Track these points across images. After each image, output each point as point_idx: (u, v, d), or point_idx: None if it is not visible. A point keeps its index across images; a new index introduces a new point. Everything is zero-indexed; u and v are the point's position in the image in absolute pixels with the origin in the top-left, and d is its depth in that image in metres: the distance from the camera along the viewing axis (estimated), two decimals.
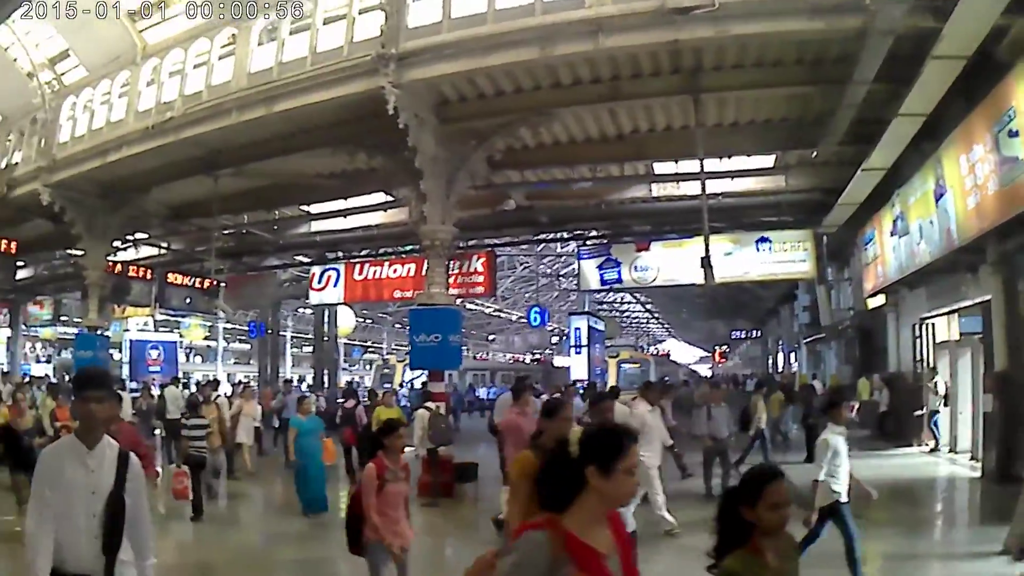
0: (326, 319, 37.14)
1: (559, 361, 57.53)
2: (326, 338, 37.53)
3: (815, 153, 18.57)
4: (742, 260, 23.47)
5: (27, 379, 28.93)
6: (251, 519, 15.18)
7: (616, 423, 3.59)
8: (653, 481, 11.66)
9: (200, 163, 19.06)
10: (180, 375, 34.73)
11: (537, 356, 69.60)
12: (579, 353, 34.82)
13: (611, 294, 52.96)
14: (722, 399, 16.17)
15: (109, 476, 4.38)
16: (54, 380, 30.66)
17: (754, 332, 59.49)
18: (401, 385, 37.73)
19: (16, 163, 22.19)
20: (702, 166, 16.13)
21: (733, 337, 63.33)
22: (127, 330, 46.74)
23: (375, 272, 27.81)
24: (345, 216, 25.41)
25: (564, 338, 55.79)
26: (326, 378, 36.75)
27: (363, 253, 28.41)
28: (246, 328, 44.67)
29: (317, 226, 27.06)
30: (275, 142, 17.67)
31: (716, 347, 71.59)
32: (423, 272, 19.30)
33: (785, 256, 23.50)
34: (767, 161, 20.60)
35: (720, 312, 54.42)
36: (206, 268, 24.78)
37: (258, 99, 15.82)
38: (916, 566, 10.39)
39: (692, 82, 14.47)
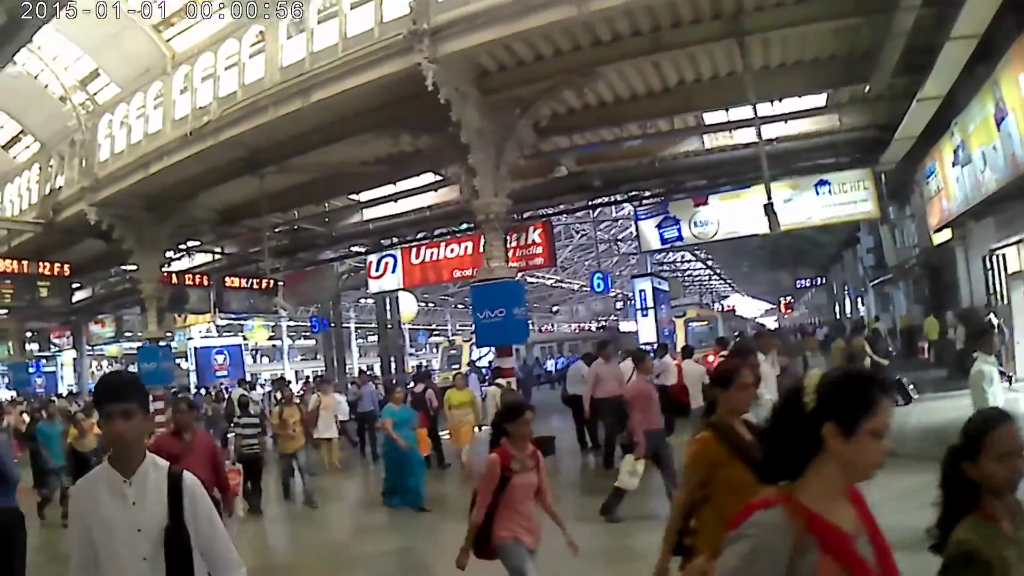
0: (388, 307, 36.93)
1: (625, 326, 57.04)
2: (389, 325, 37.33)
3: (868, 88, 17.80)
4: (803, 205, 22.72)
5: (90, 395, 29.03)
6: (339, 516, 14.71)
7: (864, 369, 2.81)
8: None
9: (243, 164, 18.93)
10: (247, 377, 34.95)
11: (602, 323, 69.13)
12: (645, 316, 34.17)
13: (671, 255, 52.41)
14: (817, 348, 15.71)
15: (159, 507, 3.49)
16: None
17: (818, 280, 58.49)
18: (469, 365, 37.49)
19: (60, 187, 22.43)
20: (755, 111, 15.49)
21: (798, 286, 62.23)
22: (190, 338, 47.24)
23: (432, 254, 27.42)
24: (396, 200, 25.18)
25: (628, 303, 55.27)
26: (392, 365, 36.58)
27: (419, 236, 28.08)
28: (309, 324, 44.71)
29: (369, 214, 26.82)
30: (316, 134, 17.46)
31: (781, 298, 70.63)
32: (480, 248, 18.93)
33: (846, 197, 22.70)
34: (819, 101, 19.84)
35: (782, 262, 53.50)
36: (262, 268, 24.69)
37: (293, 92, 15.59)
38: None
39: (734, 25, 13.94)
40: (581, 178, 22.79)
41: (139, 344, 27.27)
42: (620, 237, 48.45)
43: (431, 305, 65.49)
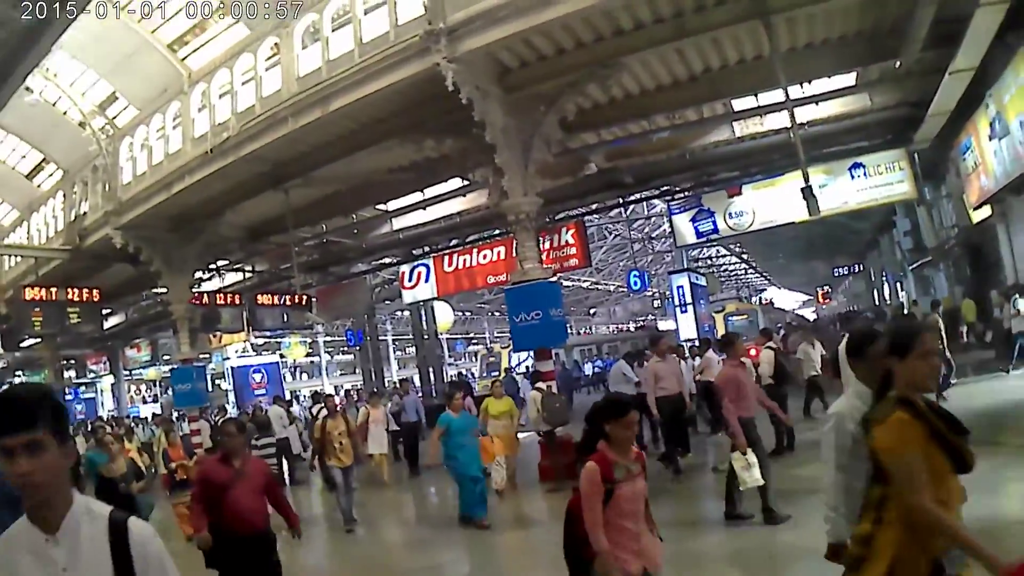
0: (423, 317, 36.75)
1: (663, 325, 56.59)
2: (426, 336, 37.11)
3: (898, 63, 17.29)
4: (838, 190, 22.35)
5: (128, 420, 28.78)
6: (395, 532, 14.22)
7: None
8: None
9: (266, 179, 18.75)
10: (286, 394, 34.84)
11: (641, 323, 68.76)
12: (684, 312, 33.80)
13: (706, 250, 52.20)
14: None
15: (100, 570, 2.56)
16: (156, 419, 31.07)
17: (856, 267, 57.83)
18: (507, 371, 37.18)
19: (85, 213, 22.41)
20: (787, 93, 14.94)
21: (835, 275, 61.66)
22: (227, 358, 47.36)
23: (464, 261, 27.23)
24: (425, 208, 24.86)
25: (666, 300, 54.86)
26: (432, 375, 36.34)
27: (451, 244, 27.88)
28: (345, 338, 44.72)
29: (398, 223, 26.51)
30: (338, 143, 17.22)
31: (818, 288, 70.09)
32: (513, 252, 18.61)
33: (881, 180, 22.30)
34: (848, 80, 19.30)
35: (817, 252, 53.01)
36: (293, 285, 24.46)
37: (312, 102, 15.32)
38: None
39: (759, 5, 13.46)
40: (612, 175, 22.37)
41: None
42: (654, 235, 48.18)
43: (468, 314, 65.51)
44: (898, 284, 46.69)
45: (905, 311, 25.48)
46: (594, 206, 26.92)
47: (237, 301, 23.82)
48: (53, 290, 21.78)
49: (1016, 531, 7.27)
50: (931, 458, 3.44)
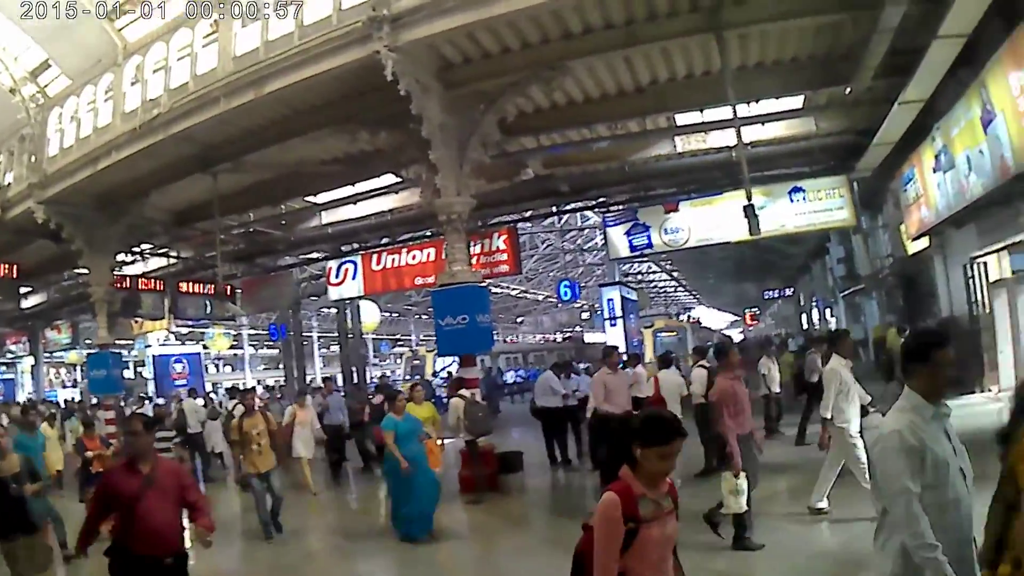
0: (349, 315, 36.17)
1: (590, 337, 56.70)
2: (351, 335, 36.52)
3: (848, 90, 17.27)
4: (777, 213, 22.28)
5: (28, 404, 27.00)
6: (326, 546, 12.88)
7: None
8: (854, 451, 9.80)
9: (195, 160, 18.12)
10: (207, 386, 34.08)
11: (568, 334, 68.96)
12: (614, 325, 33.79)
13: (636, 265, 52.44)
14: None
15: None
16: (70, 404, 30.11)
17: (786, 291, 58.63)
18: (434, 375, 36.80)
19: (8, 183, 21.36)
20: (734, 111, 14.72)
21: (765, 297, 62.50)
22: (149, 346, 46.47)
23: (393, 260, 26.77)
24: (356, 203, 24.39)
25: (594, 313, 55.04)
26: (355, 376, 35.77)
27: (382, 242, 27.39)
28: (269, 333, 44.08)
29: (328, 217, 25.93)
30: (270, 129, 16.68)
31: (746, 310, 70.93)
32: (443, 254, 18.18)
33: (820, 205, 22.34)
34: (796, 103, 19.28)
35: (749, 274, 53.65)
36: (218, 274, 23.82)
37: (245, 83, 14.71)
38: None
39: (713, 19, 13.28)
40: (548, 182, 22.09)
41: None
42: (586, 247, 48.33)
43: (395, 315, 65.07)
44: (827, 310, 47.46)
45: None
46: (528, 213, 26.72)
47: (160, 287, 23.19)
48: None
49: None
50: None
